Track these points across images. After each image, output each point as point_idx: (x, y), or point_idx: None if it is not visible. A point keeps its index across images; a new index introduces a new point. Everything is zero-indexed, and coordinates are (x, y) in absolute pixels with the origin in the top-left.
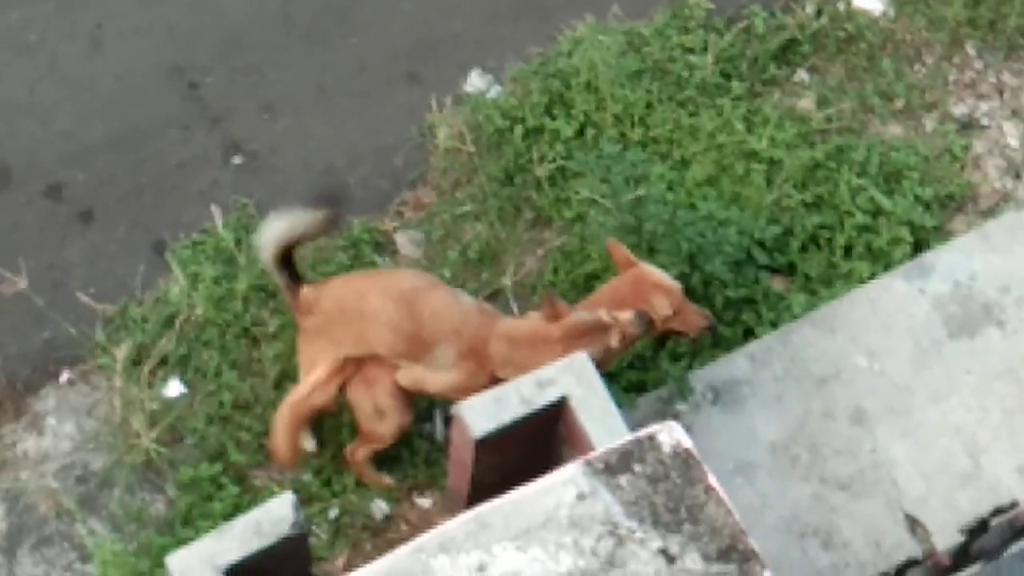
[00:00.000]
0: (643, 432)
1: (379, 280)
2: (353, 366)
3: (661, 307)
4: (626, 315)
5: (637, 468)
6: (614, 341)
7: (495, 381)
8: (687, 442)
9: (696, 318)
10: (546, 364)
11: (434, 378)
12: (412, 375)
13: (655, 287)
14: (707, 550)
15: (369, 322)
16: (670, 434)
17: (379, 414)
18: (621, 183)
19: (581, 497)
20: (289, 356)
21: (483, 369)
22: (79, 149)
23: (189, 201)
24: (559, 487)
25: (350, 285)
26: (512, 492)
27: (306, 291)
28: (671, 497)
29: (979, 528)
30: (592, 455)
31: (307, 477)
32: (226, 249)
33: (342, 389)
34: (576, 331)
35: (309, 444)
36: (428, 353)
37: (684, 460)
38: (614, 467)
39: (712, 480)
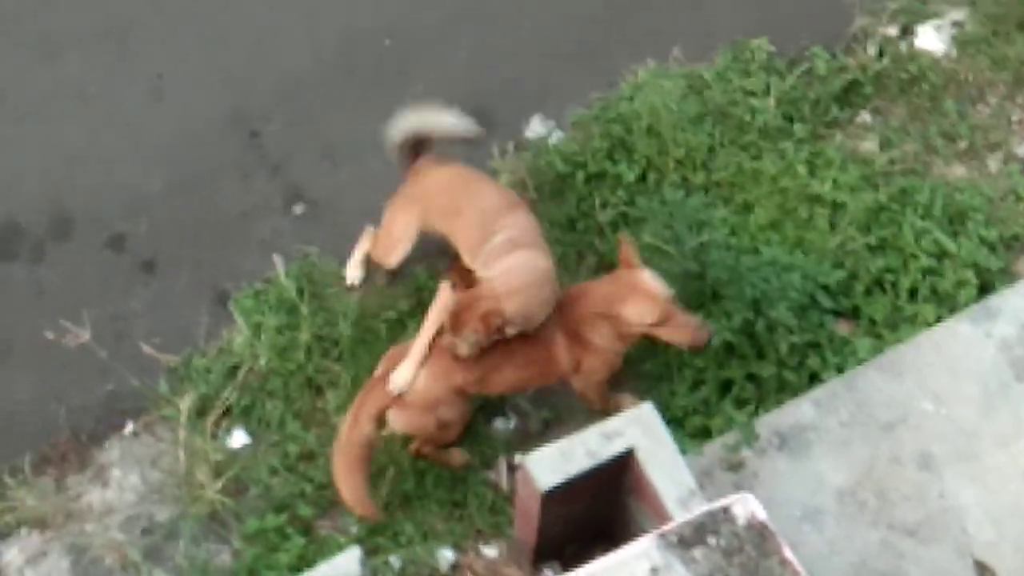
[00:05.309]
0: (717, 504)
1: (485, 185)
2: (383, 405)
3: (638, 314)
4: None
5: (711, 541)
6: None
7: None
8: (762, 514)
9: (687, 330)
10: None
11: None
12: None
13: (639, 293)
14: None
15: (465, 210)
16: (745, 506)
17: (443, 427)
18: (684, 229)
19: (655, 571)
20: None
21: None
22: (140, 198)
23: (251, 250)
24: (632, 561)
25: (463, 175)
26: (586, 566)
27: (425, 159)
28: (746, 570)
29: None
30: (666, 528)
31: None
32: (289, 298)
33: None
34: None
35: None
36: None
37: (759, 532)
38: (688, 540)
39: (787, 553)
